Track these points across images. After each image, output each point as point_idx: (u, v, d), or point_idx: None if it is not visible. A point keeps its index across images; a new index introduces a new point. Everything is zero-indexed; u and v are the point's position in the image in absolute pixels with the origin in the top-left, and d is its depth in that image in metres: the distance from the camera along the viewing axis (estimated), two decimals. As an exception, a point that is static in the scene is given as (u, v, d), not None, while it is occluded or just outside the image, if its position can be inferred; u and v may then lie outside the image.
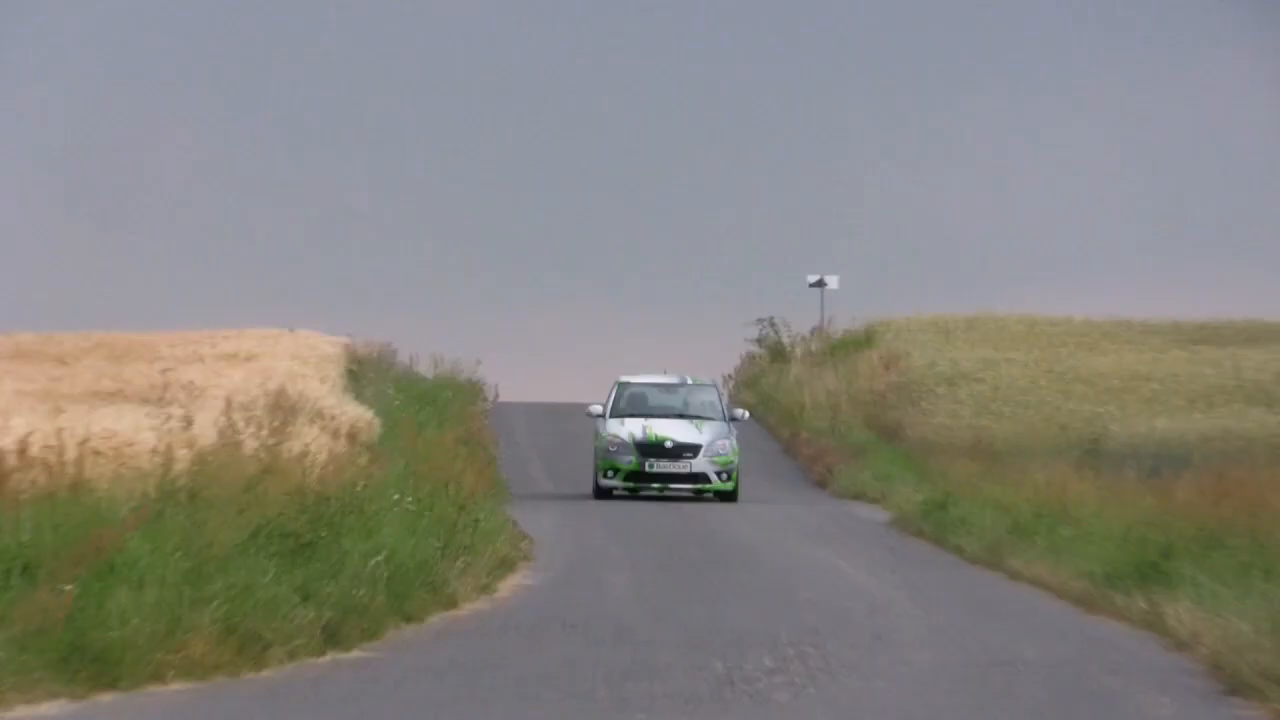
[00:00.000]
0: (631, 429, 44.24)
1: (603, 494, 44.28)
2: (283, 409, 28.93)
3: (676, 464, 44.21)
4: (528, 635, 22.85)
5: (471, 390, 65.95)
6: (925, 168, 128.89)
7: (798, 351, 77.25)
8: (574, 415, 46.53)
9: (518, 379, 70.52)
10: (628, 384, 46.34)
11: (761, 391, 70.58)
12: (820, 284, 77.24)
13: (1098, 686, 20.05)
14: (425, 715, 16.27)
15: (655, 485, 44.31)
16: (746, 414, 51.42)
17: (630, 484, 44.20)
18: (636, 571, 29.60)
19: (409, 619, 22.77)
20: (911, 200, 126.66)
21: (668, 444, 44.23)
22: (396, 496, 27.44)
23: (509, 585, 27.90)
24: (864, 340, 76.82)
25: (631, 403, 45.64)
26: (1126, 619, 25.86)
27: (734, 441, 45.28)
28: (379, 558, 22.88)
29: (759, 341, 78.59)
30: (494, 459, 44.67)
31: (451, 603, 24.88)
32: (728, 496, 44.19)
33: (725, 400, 48.68)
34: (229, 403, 27.48)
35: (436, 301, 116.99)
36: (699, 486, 44.56)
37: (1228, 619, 21.46)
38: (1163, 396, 64.82)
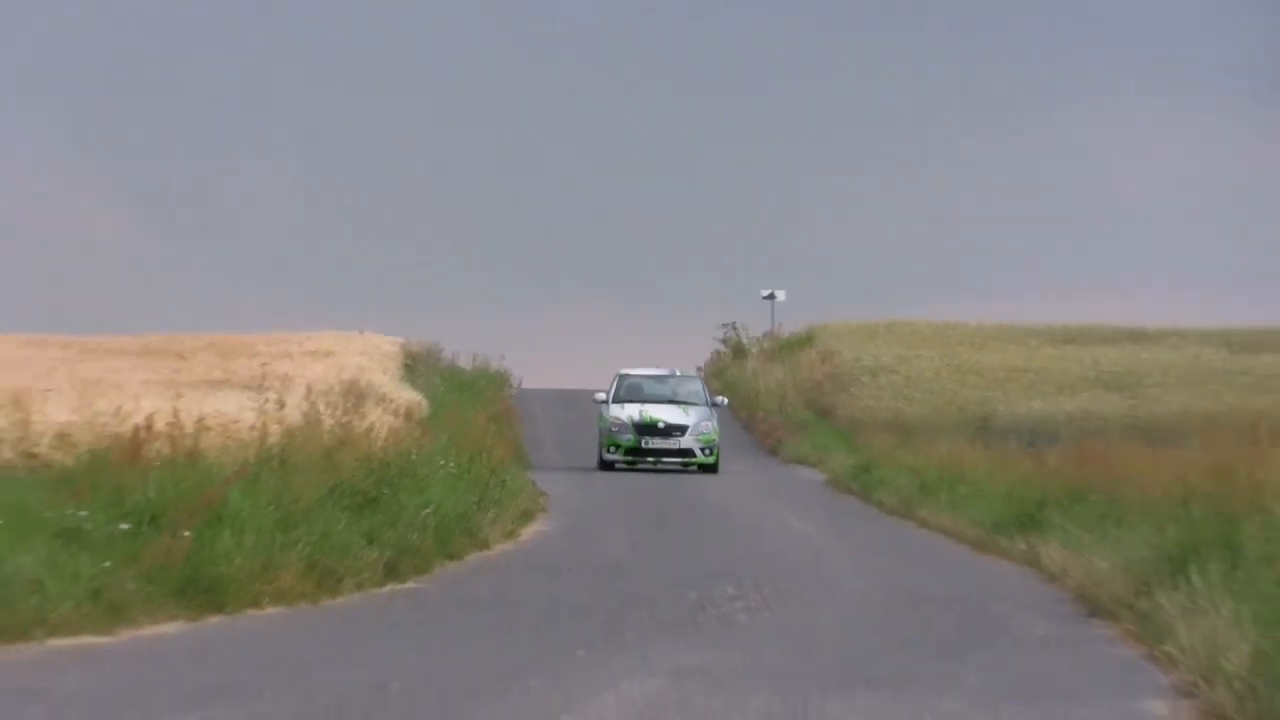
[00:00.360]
0: (630, 413, 42.87)
1: (606, 466, 42.88)
2: (353, 394, 28.95)
3: (668, 441, 42.67)
4: (544, 571, 22.80)
5: (500, 379, 65.86)
6: (855, 204, 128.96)
7: (754, 349, 77.49)
8: (583, 401, 45.80)
9: (537, 370, 70.48)
10: (627, 375, 44.88)
11: (726, 380, 70.23)
12: (771, 297, 77.63)
13: (988, 611, 20.02)
14: (465, 635, 16.23)
15: (650, 459, 42.81)
16: (725, 400, 49.68)
17: (629, 458, 42.75)
18: (631, 524, 29.56)
19: (451, 557, 22.74)
20: (842, 232, 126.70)
21: (660, 425, 42.69)
22: (442, 462, 27.42)
23: (529, 532, 27.87)
24: (805, 340, 76.88)
25: (630, 391, 44.00)
26: (1010, 558, 25.85)
27: (715, 423, 43.98)
28: (428, 510, 22.87)
29: (724, 341, 78.90)
30: (518, 434, 44.61)
31: (484, 545, 24.86)
32: (709, 469, 42.72)
33: (707, 389, 47.14)
34: (311, 390, 27.49)
35: (476, 307, 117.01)
36: (686, 460, 42.79)
37: (1089, 558, 21.45)
38: (1038, 385, 64.88)
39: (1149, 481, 25.36)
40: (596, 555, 24.87)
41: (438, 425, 35.98)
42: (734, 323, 79.46)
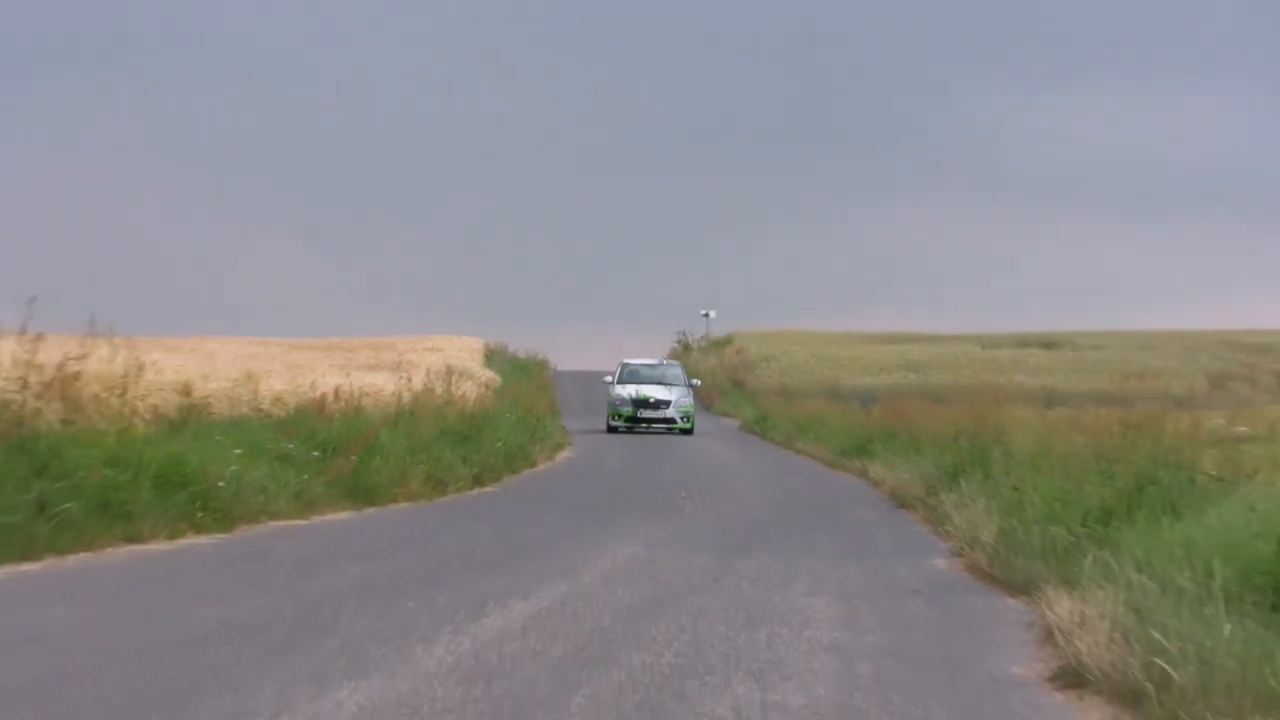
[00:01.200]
0: (630, 391, 37.63)
1: (612, 430, 37.48)
2: (453, 374, 28.88)
3: (657, 412, 37.32)
4: (569, 481, 22.81)
5: (542, 365, 65.62)
6: (756, 256, 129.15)
7: (696, 346, 77.77)
8: (596, 381, 44.84)
9: (566, 359, 70.28)
10: (628, 363, 39.49)
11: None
12: (706, 315, 78.02)
13: (837, 504, 20.05)
14: (521, 519, 16.22)
15: (643, 425, 37.40)
16: (699, 382, 44.05)
17: (628, 423, 37.31)
18: (624, 457, 29.60)
19: (513, 472, 22.75)
20: (749, 274, 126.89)
21: (651, 400, 37.35)
22: (508, 415, 27.47)
23: (560, 457, 27.90)
24: (726, 341, 77.11)
25: (630, 375, 38.74)
26: (850, 472, 25.91)
27: (691, 399, 38.94)
28: (499, 443, 22.92)
29: (678, 341, 79.37)
30: (554, 399, 44.15)
31: (533, 464, 24.88)
32: (687, 432, 37.34)
33: (686, 374, 41.17)
34: (429, 371, 27.45)
35: (529, 318, 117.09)
36: (670, 426, 37.37)
37: (898, 472, 21.50)
38: (867, 368, 64.99)
39: (933, 426, 25.45)
40: (601, 472, 24.90)
41: (505, 393, 36.06)
42: (684, 330, 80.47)
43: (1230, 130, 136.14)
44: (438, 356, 45.43)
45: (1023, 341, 76.04)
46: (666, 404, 37.51)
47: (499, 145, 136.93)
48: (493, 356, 60.28)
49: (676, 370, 40.78)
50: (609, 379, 39.33)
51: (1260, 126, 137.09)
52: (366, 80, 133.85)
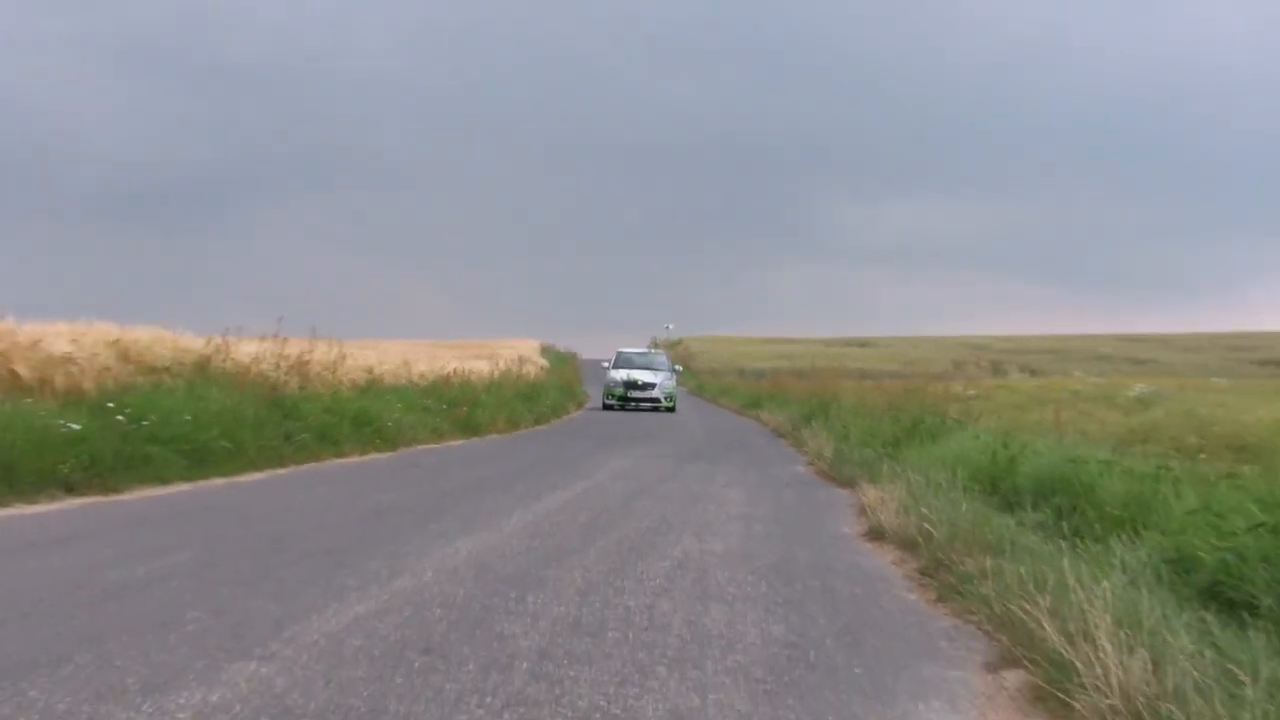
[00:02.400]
0: (622, 375, 29.30)
1: (608, 408, 28.48)
2: (523, 361, 28.77)
3: (645, 393, 28.66)
4: (588, 424, 22.60)
5: (573, 356, 65.13)
6: (698, 288, 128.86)
7: (662, 346, 77.72)
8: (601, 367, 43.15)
9: (588, 351, 70.18)
10: (622, 351, 31.85)
11: (652, 357, 70.24)
12: (668, 327, 77.98)
13: (742, 436, 19.96)
14: (561, 442, 16.09)
15: (633, 404, 28.51)
16: (680, 368, 34.65)
17: (620, 402, 28.51)
18: (619, 419, 29.38)
19: (557, 418, 22.59)
20: (694, 302, 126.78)
21: (640, 383, 28.93)
22: (553, 385, 27.37)
23: (580, 411, 27.68)
24: (679, 343, 77.13)
25: (623, 362, 30.73)
26: (750, 418, 25.91)
27: (674, 382, 30.13)
28: (549, 401, 22.81)
29: (650, 342, 79.53)
30: (580, 377, 43.51)
31: (568, 414, 24.72)
32: (670, 411, 28.17)
33: (670, 361, 32.35)
34: (507, 361, 27.33)
35: (565, 327, 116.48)
36: (656, 405, 28.47)
37: (777, 416, 21.51)
38: (760, 358, 64.96)
39: (797, 391, 25.48)
40: (606, 419, 24.75)
41: (551, 373, 35.89)
42: (655, 338, 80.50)
43: (968, 221, 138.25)
44: (513, 351, 44.98)
45: (848, 343, 76.56)
46: (653, 385, 29.55)
47: (551, 227, 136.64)
48: (545, 351, 59.82)
49: (663, 358, 32.77)
50: (606, 365, 31.95)
51: (983, 218, 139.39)
52: (488, 187, 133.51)
